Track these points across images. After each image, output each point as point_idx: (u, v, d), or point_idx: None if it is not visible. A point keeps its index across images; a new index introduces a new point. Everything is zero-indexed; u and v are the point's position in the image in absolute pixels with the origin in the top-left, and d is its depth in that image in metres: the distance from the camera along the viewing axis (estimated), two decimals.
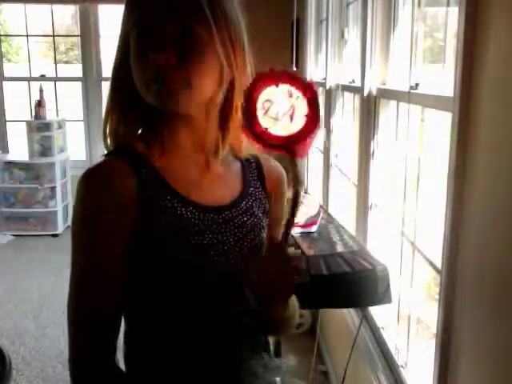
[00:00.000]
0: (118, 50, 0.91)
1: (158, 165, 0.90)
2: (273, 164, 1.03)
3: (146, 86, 0.85)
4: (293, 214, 0.86)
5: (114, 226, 0.85)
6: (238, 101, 0.89)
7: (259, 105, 0.81)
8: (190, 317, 0.90)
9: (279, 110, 0.81)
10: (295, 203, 0.86)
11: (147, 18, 0.84)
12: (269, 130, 0.82)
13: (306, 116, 0.81)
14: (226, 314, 0.92)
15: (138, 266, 0.87)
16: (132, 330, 0.94)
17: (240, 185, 0.98)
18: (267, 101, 0.81)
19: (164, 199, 0.88)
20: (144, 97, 0.87)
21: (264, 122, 0.81)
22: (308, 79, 0.83)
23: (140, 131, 0.94)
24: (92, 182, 0.87)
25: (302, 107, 0.81)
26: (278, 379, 0.92)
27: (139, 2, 0.86)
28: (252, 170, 1.01)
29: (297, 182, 0.86)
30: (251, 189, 0.99)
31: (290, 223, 0.86)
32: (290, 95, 0.81)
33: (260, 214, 0.98)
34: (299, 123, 0.81)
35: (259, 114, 0.81)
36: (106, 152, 0.95)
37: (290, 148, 0.83)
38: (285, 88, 0.81)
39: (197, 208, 0.90)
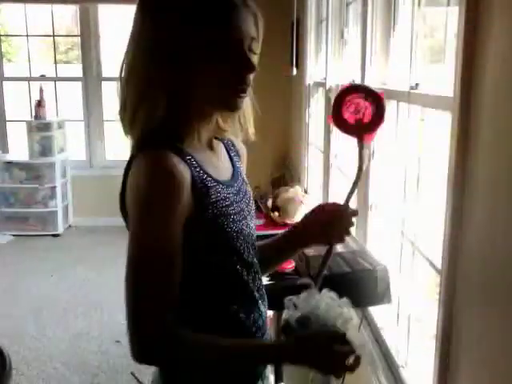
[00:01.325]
0: (167, 52, 0.97)
1: (189, 151, 1.02)
2: (240, 143, 1.23)
3: (228, 95, 1.01)
4: (355, 185, 1.21)
5: (177, 207, 0.95)
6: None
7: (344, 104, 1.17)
8: (233, 266, 1.08)
9: (357, 108, 1.16)
10: (358, 177, 1.20)
11: (231, 36, 0.97)
12: (348, 121, 1.17)
13: (374, 114, 1.16)
14: (252, 263, 1.13)
15: (189, 238, 0.99)
16: (188, 285, 1.03)
17: (229, 161, 1.16)
18: (349, 101, 1.16)
19: (206, 181, 1.02)
20: (212, 101, 1.03)
21: (345, 115, 1.16)
22: (379, 91, 1.19)
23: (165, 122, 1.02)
24: (160, 169, 0.95)
25: (372, 108, 1.16)
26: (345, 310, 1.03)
27: (218, 19, 0.96)
28: (231, 147, 1.19)
29: (361, 160, 1.19)
30: (237, 164, 1.17)
31: (352, 192, 1.22)
32: (366, 99, 1.16)
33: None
34: (369, 118, 1.16)
35: (343, 109, 1.16)
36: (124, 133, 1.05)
37: (360, 135, 1.17)
38: (362, 94, 1.17)
39: (223, 184, 1.07)
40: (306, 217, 1.23)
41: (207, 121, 1.07)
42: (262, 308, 1.14)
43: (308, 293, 1.04)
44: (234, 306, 1.08)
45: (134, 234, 0.95)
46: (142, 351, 0.94)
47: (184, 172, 0.96)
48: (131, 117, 1.01)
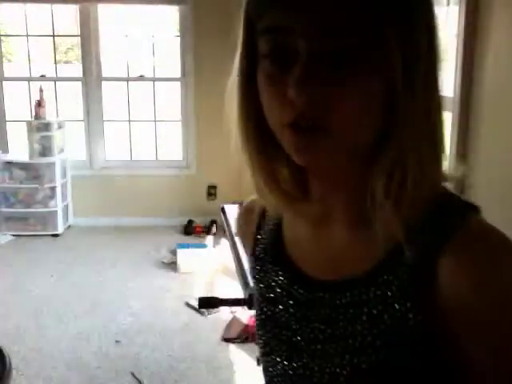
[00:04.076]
0: (241, 58, 0.65)
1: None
2: (469, 255, 0.58)
3: (279, 130, 0.62)
4: None
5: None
6: (408, 135, 0.59)
7: None
8: None
9: None
10: None
11: (278, 33, 0.58)
12: None
13: None
14: None
15: None
16: None
17: (374, 257, 0.63)
18: None
19: (267, 260, 0.74)
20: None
21: None
22: None
23: None
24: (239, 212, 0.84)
25: None
26: None
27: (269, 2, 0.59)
28: (422, 237, 0.60)
29: None
30: (388, 276, 0.62)
31: None
32: None
33: (387, 323, 0.61)
34: None
35: None
36: None
37: None
38: None
39: (304, 284, 0.69)
40: None
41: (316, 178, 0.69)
42: None
43: None
44: None
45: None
46: None
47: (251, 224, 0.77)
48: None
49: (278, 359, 0.70)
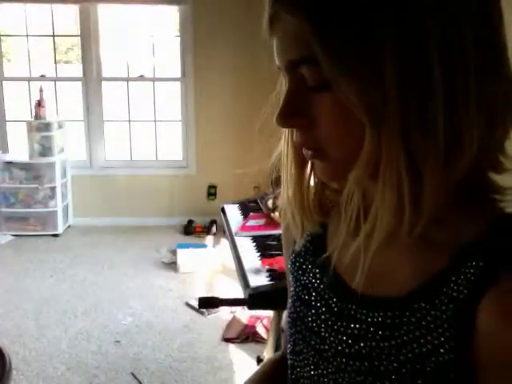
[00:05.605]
0: None
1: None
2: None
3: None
4: None
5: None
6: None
7: None
8: None
9: None
10: None
11: (281, 70, 0.61)
12: None
13: None
14: None
15: None
16: None
17: (414, 280, 0.58)
18: None
19: (307, 259, 0.72)
20: None
21: None
22: None
23: None
24: None
25: None
26: None
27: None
28: (469, 269, 0.55)
29: None
30: (425, 304, 0.57)
31: None
32: None
33: (426, 347, 0.56)
34: None
35: None
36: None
37: None
38: None
39: (339, 293, 0.65)
40: None
41: None
42: None
43: None
44: None
45: None
46: None
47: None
48: None
49: (306, 362, 0.69)
